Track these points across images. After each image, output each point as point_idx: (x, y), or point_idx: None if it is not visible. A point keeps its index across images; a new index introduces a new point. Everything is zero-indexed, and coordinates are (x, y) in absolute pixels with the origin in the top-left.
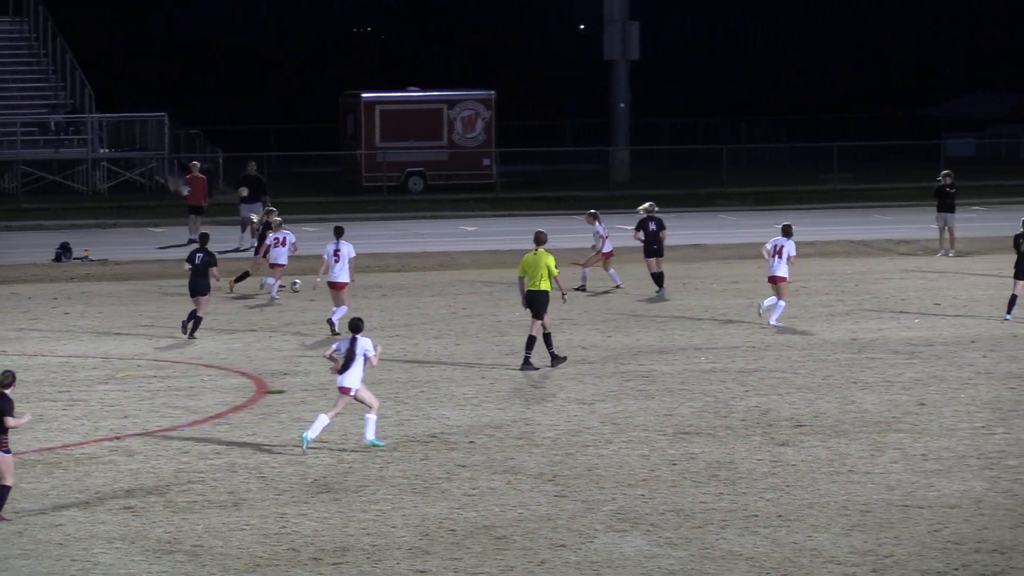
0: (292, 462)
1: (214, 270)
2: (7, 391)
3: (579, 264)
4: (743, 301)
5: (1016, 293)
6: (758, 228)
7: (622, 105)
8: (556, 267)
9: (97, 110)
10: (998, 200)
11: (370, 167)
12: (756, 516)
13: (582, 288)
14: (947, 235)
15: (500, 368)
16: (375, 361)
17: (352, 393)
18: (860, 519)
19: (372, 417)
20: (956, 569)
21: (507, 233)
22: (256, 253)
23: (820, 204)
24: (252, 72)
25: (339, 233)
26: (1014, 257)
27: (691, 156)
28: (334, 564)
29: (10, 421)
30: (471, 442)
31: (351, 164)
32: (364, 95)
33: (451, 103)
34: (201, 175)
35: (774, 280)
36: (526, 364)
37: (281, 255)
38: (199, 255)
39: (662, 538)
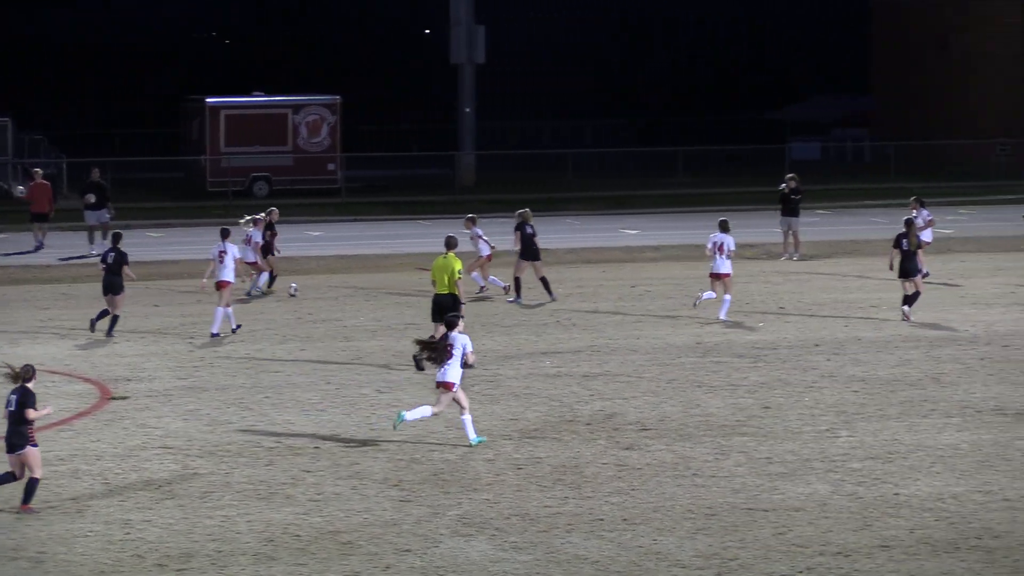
0: (136, 468)
1: (127, 269)
2: (29, 384)
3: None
4: (588, 305)
5: (907, 292)
6: (604, 232)
7: (467, 109)
8: (460, 273)
9: None
10: (843, 203)
11: (215, 172)
12: (601, 520)
13: (482, 291)
14: (791, 239)
15: (346, 373)
16: (472, 358)
17: (455, 389)
18: (705, 522)
19: (467, 418)
20: (800, 572)
21: (352, 238)
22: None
23: (666, 208)
24: (95, 77)
25: (225, 235)
26: (862, 260)
27: (538, 160)
28: (178, 570)
29: (31, 413)
30: (316, 447)
31: (195, 169)
32: (209, 100)
33: (296, 108)
34: (44, 181)
35: (717, 276)
36: (417, 366)
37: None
38: (111, 254)
39: (507, 542)
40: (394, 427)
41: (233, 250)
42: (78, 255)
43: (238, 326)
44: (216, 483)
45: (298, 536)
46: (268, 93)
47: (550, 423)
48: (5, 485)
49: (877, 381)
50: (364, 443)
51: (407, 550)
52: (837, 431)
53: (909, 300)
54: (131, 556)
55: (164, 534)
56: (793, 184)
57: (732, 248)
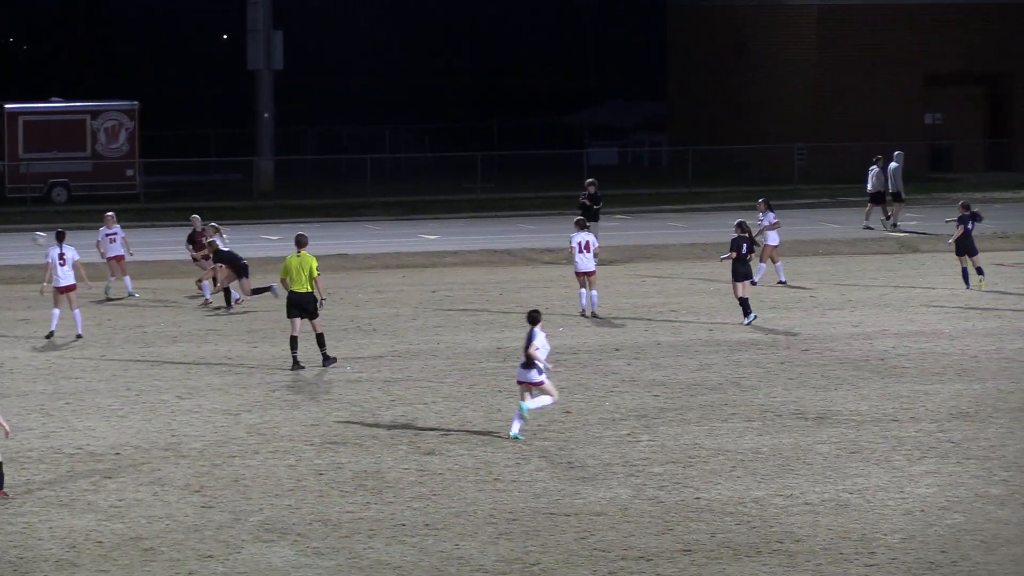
0: None
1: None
2: None
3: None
4: (388, 311)
5: (741, 296)
6: (404, 238)
7: (266, 115)
8: (318, 270)
9: None
10: (641, 208)
11: (13, 178)
12: (403, 525)
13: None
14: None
15: (146, 379)
16: (537, 354)
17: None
18: (507, 527)
19: (545, 401)
20: None
21: (152, 244)
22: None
23: (464, 213)
24: None
25: (61, 238)
26: (660, 264)
27: (337, 165)
28: None
29: None
30: (117, 454)
31: None
32: (7, 106)
33: (94, 114)
34: None
35: (585, 275)
36: (295, 365)
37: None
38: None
39: (310, 548)
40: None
41: (73, 252)
42: None
43: (51, 333)
44: (17, 490)
45: (100, 543)
46: (67, 99)
47: (351, 428)
48: None
49: (677, 385)
50: (165, 449)
51: (209, 556)
52: (638, 435)
53: (744, 306)
54: None
55: None
56: (592, 190)
57: (597, 245)
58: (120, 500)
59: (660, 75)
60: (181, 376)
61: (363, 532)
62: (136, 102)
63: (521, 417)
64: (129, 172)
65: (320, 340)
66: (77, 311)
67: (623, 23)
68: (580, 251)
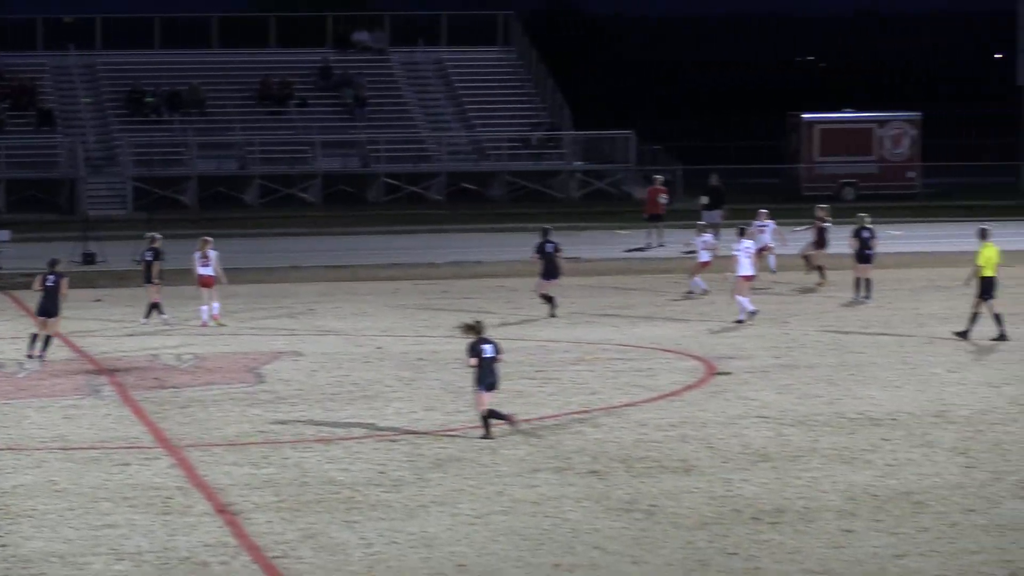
0: (736, 435)
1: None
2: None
3: None
4: None
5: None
6: None
7: None
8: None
9: (572, 127)
10: None
11: (809, 179)
12: None
13: None
14: None
15: (920, 354)
16: None
17: None
18: None
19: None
20: None
21: (930, 238)
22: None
23: None
24: (709, 94)
25: (743, 233)
26: None
27: None
28: (771, 523)
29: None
30: (893, 419)
31: (792, 176)
32: (803, 116)
33: (881, 123)
34: (661, 188)
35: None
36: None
37: None
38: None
39: None
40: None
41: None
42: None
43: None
44: (804, 448)
45: (876, 496)
46: (856, 110)
47: None
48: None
49: None
50: (936, 416)
51: (972, 510)
52: None
53: None
54: (730, 511)
55: (759, 491)
56: None
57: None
58: (894, 459)
59: None
60: (950, 352)
61: None
62: (919, 113)
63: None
64: (910, 174)
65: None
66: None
67: None
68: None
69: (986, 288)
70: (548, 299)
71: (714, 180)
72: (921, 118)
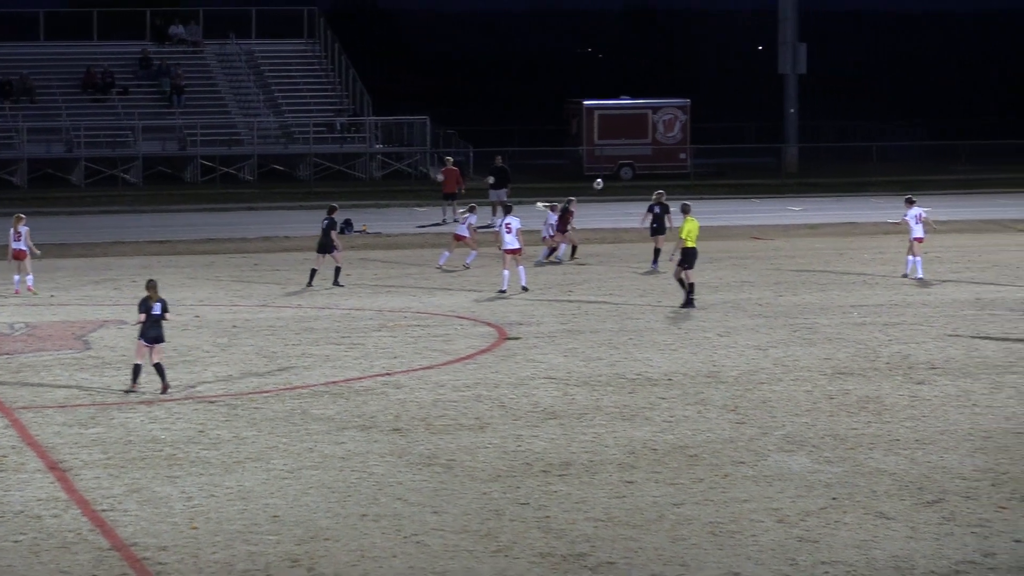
0: (526, 395)
1: (334, 234)
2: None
3: None
4: (888, 268)
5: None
6: (899, 209)
7: (792, 111)
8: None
9: (373, 114)
10: None
11: (590, 160)
12: (898, 440)
13: None
14: None
15: (693, 320)
16: None
17: None
18: (982, 443)
19: None
20: None
21: (701, 212)
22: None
23: (951, 191)
24: (497, 84)
25: (507, 210)
26: None
27: (848, 152)
28: (559, 476)
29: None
30: (669, 379)
31: (574, 157)
32: (585, 103)
33: (655, 109)
34: (454, 168)
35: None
36: (688, 303)
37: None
38: (324, 222)
39: (822, 457)
40: None
41: (516, 223)
42: (484, 224)
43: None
44: (588, 407)
45: (654, 450)
46: (633, 96)
47: (856, 362)
48: None
49: None
50: (708, 376)
51: (741, 462)
52: None
53: None
54: (521, 464)
55: (548, 447)
56: None
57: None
58: (671, 416)
59: None
60: (720, 318)
61: (864, 445)
62: (688, 100)
63: None
64: (682, 156)
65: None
66: (521, 268)
67: None
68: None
69: (687, 258)
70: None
71: (499, 161)
72: (691, 104)
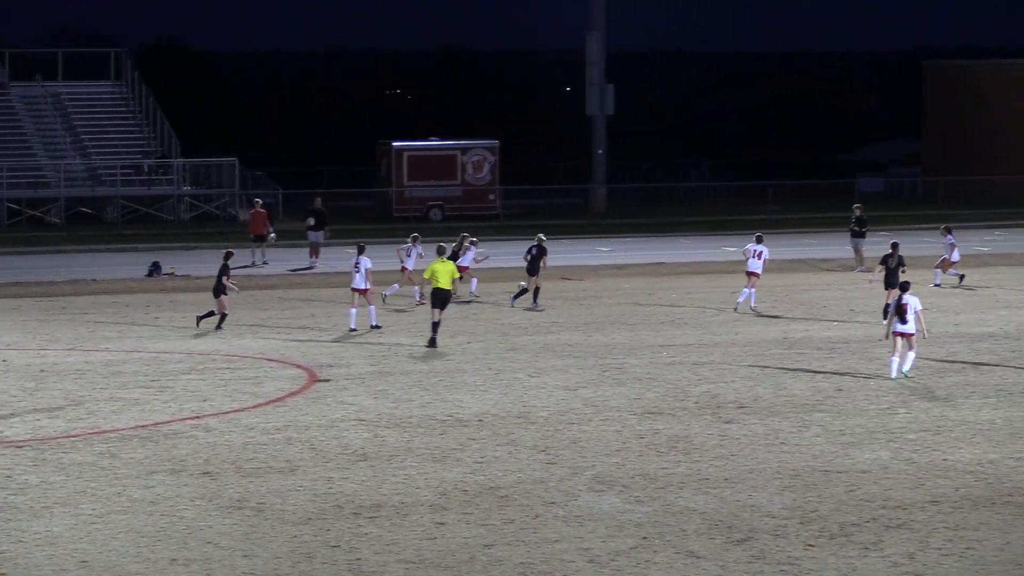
0: (336, 436)
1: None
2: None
3: None
4: (696, 309)
5: (889, 301)
6: (709, 250)
7: (600, 151)
8: (456, 274)
9: (181, 155)
10: (901, 227)
11: (399, 201)
12: (707, 479)
13: None
14: (859, 255)
15: (503, 361)
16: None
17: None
18: (790, 481)
19: (912, 354)
20: (867, 521)
21: (509, 254)
22: None
23: (758, 230)
24: (309, 125)
25: (360, 250)
26: (914, 272)
27: (656, 192)
28: (370, 518)
29: None
30: (480, 420)
31: (384, 199)
32: (394, 144)
33: (464, 150)
34: (262, 210)
35: (751, 274)
36: (432, 343)
37: None
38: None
39: (632, 497)
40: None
41: (367, 263)
42: (303, 267)
43: (377, 326)
44: (400, 448)
45: (465, 491)
46: (442, 138)
47: (666, 401)
48: None
49: (928, 369)
50: (519, 416)
51: (552, 502)
52: (896, 409)
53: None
54: (332, 507)
55: (359, 489)
56: (858, 212)
57: (767, 256)
58: (482, 457)
59: (919, 120)
60: (530, 359)
61: (674, 484)
62: (497, 141)
63: None
64: (491, 196)
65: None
66: (372, 308)
67: (889, 79)
68: (753, 256)
69: (435, 298)
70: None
71: (318, 203)
72: (500, 145)
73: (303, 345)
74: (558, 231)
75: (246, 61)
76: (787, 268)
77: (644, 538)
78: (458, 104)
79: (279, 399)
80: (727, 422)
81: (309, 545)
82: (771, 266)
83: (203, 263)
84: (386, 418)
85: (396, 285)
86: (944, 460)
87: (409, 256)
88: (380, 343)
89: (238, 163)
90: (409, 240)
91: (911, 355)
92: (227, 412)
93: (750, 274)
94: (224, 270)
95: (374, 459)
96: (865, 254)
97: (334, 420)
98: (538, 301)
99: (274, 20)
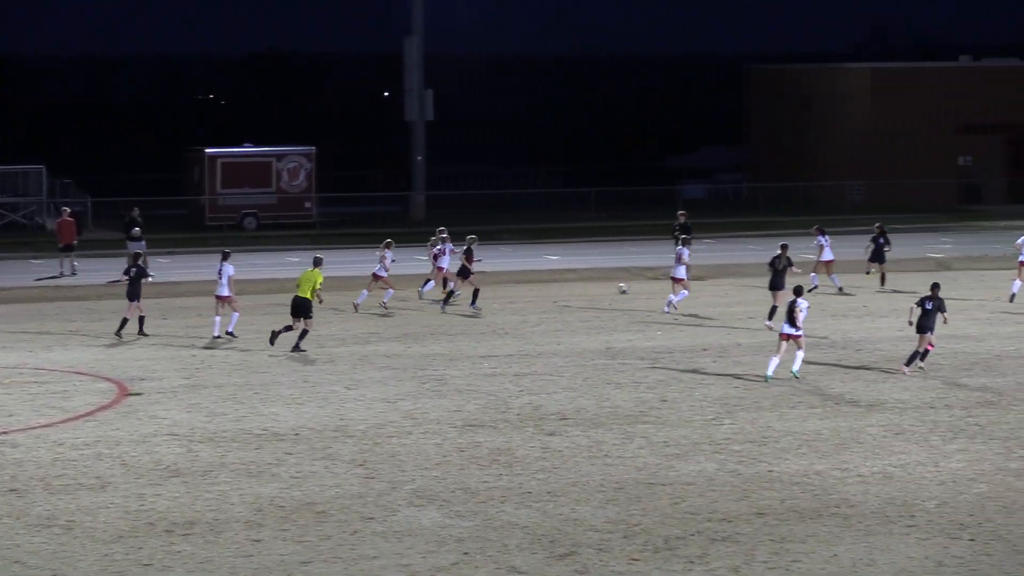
0: (148, 452)
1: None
2: None
3: None
4: (518, 318)
5: (776, 303)
6: (531, 258)
7: (419, 158)
8: (320, 284)
9: None
10: (724, 234)
11: (212, 209)
12: (529, 493)
13: None
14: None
15: (320, 374)
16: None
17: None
18: (614, 494)
19: (801, 354)
20: (692, 535)
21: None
22: None
23: (581, 238)
24: (115, 130)
25: (224, 257)
26: (740, 280)
27: (478, 199)
28: (183, 535)
29: None
30: (296, 434)
31: (194, 207)
32: (207, 151)
33: (279, 157)
34: (69, 218)
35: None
36: (272, 340)
37: None
38: (132, 269)
39: (453, 511)
40: (767, 382)
41: (230, 270)
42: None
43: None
44: (214, 464)
45: (282, 507)
46: (256, 144)
47: (487, 414)
48: None
49: (753, 378)
50: (336, 430)
51: (371, 518)
52: (721, 419)
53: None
54: (144, 524)
55: (171, 505)
56: (683, 219)
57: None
58: (298, 471)
59: (742, 125)
60: (347, 371)
61: (496, 498)
62: (313, 147)
63: None
64: (307, 204)
65: (304, 334)
66: (235, 315)
67: (712, 84)
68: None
69: (296, 308)
70: None
71: (135, 213)
72: (316, 152)
73: (113, 358)
74: (375, 240)
75: (52, 66)
76: (611, 276)
77: (465, 553)
78: (272, 109)
79: (89, 414)
80: (549, 434)
81: (121, 564)
82: (593, 275)
83: (10, 274)
84: (199, 432)
85: (366, 292)
86: (770, 471)
87: (444, 254)
88: (192, 355)
89: (45, 170)
90: (439, 240)
91: (800, 354)
92: (34, 427)
93: (675, 280)
94: (141, 273)
95: (187, 475)
96: (689, 261)
97: (146, 435)
98: (476, 303)
99: (83, 24)
